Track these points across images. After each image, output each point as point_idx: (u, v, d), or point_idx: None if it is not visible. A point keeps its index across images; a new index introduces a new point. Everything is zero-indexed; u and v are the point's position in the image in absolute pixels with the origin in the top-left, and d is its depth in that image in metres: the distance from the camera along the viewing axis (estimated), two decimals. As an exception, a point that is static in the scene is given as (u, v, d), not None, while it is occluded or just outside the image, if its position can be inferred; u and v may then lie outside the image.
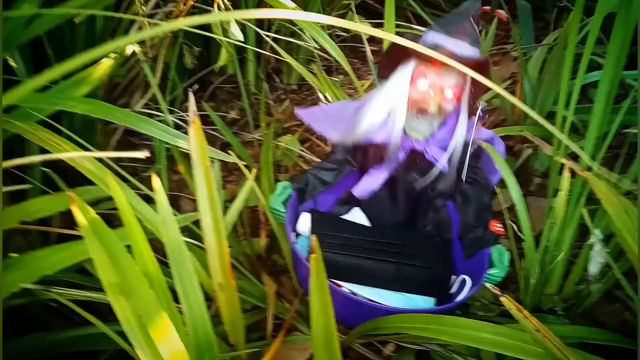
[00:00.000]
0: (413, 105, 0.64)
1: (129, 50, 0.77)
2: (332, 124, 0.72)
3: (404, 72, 0.63)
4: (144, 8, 0.67)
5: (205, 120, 1.00)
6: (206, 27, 0.84)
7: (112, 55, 0.72)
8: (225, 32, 0.67)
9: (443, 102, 0.63)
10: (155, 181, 0.45)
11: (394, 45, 0.63)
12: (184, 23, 0.42)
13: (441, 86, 0.62)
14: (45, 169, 0.66)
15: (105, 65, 0.71)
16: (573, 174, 0.58)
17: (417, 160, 0.67)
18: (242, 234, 0.81)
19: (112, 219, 0.55)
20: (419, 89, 0.63)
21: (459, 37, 0.62)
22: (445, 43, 0.62)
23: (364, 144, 0.69)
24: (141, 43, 0.82)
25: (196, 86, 1.10)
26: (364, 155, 0.71)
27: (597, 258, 0.64)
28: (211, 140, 1.01)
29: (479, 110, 0.66)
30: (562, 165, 0.59)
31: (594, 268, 0.64)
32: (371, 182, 0.70)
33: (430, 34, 0.64)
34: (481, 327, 0.49)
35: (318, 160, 0.94)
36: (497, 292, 0.43)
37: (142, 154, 0.53)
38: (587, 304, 0.65)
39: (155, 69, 0.84)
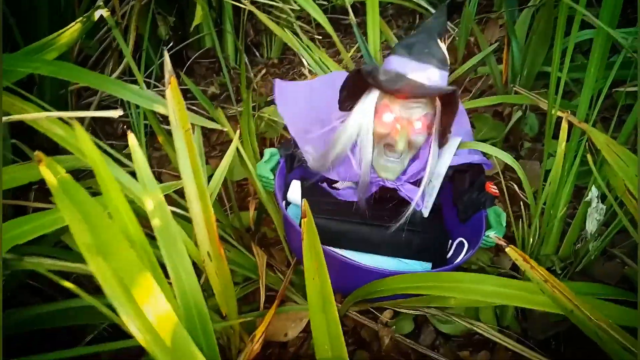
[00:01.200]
0: (379, 140, 0.58)
1: (96, 14, 0.72)
2: (304, 126, 0.65)
3: (367, 104, 0.57)
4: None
5: (185, 95, 0.96)
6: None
7: (81, 20, 0.68)
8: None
9: (412, 135, 0.56)
10: (131, 138, 0.42)
11: (352, 76, 0.56)
12: None
13: (408, 119, 0.56)
14: (14, 141, 0.62)
15: (73, 30, 0.67)
16: (570, 126, 0.56)
17: (388, 197, 0.61)
18: (230, 207, 0.78)
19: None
20: (384, 122, 0.56)
21: (425, 61, 0.56)
22: (410, 71, 0.55)
23: (334, 179, 0.64)
24: (112, 11, 0.78)
25: (171, 43, 1.05)
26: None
27: (594, 215, 0.63)
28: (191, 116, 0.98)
29: (452, 141, 0.60)
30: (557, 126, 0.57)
31: (591, 225, 0.63)
32: (346, 193, 0.66)
33: (394, 59, 0.57)
34: (484, 279, 0.47)
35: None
36: (503, 243, 0.41)
37: (116, 113, 0.49)
38: (585, 263, 0.64)
39: (128, 39, 0.80)
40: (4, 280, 0.50)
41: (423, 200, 0.60)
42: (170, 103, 0.49)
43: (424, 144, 0.58)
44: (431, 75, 0.55)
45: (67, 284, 0.37)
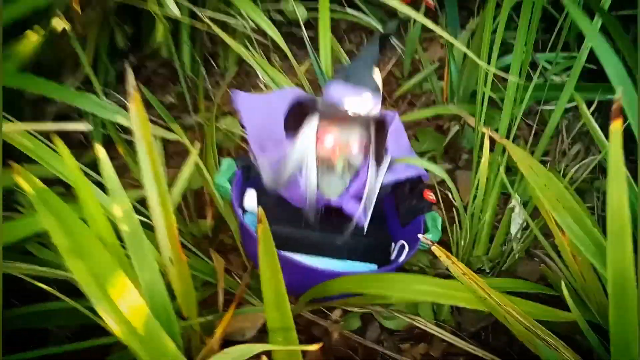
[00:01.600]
0: (323, 162, 0.65)
1: (57, 25, 0.75)
2: (260, 138, 0.71)
3: (309, 129, 0.65)
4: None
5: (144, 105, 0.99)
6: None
7: (39, 31, 0.71)
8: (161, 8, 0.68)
9: (349, 156, 0.65)
10: (100, 151, 0.46)
11: (294, 103, 0.64)
12: None
13: (346, 142, 0.64)
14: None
15: (32, 40, 0.69)
16: (493, 142, 0.65)
17: (333, 214, 0.69)
18: (188, 215, 0.83)
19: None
20: (325, 147, 0.64)
21: (361, 87, 0.63)
22: (346, 96, 0.63)
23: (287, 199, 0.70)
24: (70, 21, 0.81)
25: (133, 60, 1.08)
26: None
27: (517, 220, 0.72)
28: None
29: (386, 160, 0.67)
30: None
31: (514, 228, 0.72)
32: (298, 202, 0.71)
33: (334, 86, 0.64)
34: (420, 279, 0.55)
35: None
36: (429, 242, 0.48)
37: (84, 126, 0.53)
38: (511, 262, 0.73)
39: (87, 48, 0.83)
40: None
41: (365, 214, 0.67)
42: (134, 117, 0.53)
43: (363, 163, 0.66)
44: (366, 100, 0.63)
45: (48, 288, 0.41)
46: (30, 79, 0.58)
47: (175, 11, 0.64)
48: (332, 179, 0.66)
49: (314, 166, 0.65)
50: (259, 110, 0.76)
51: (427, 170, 0.71)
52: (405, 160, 0.68)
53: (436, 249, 0.47)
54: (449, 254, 0.47)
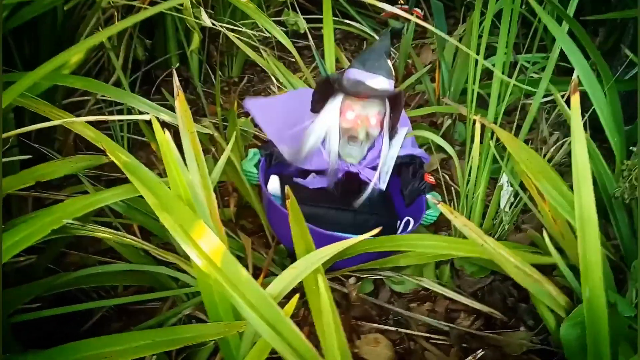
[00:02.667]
0: (344, 133, 0.79)
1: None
2: (278, 129, 0.84)
3: (333, 105, 0.77)
4: None
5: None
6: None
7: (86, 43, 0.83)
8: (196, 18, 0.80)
9: (369, 128, 0.78)
10: (164, 133, 0.58)
11: (321, 82, 0.77)
12: (158, 9, 0.56)
13: (366, 115, 0.77)
14: (38, 146, 0.76)
15: (81, 52, 0.82)
16: (482, 134, 0.79)
17: (352, 179, 0.81)
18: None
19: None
20: (347, 119, 0.77)
21: (376, 72, 0.77)
22: (365, 79, 0.77)
23: (307, 168, 0.82)
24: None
25: (177, 64, 1.21)
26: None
27: (505, 195, 0.86)
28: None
29: (400, 132, 0.81)
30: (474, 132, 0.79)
31: (503, 202, 0.85)
32: (315, 183, 0.84)
33: (352, 71, 0.79)
34: (426, 237, 0.68)
35: (271, 139, 1.09)
36: (435, 201, 0.61)
37: (147, 117, 0.66)
38: (501, 233, 0.86)
39: (119, 57, 0.95)
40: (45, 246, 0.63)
41: (380, 180, 0.80)
42: (179, 111, 0.66)
43: (378, 136, 0.79)
44: (381, 83, 0.77)
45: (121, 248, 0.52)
46: (91, 81, 0.70)
47: (208, 22, 0.77)
48: (353, 148, 0.79)
49: (337, 135, 0.78)
50: (272, 108, 0.90)
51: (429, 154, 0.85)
52: (421, 133, 0.83)
53: (442, 206, 0.60)
54: (451, 209, 0.59)
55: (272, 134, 0.85)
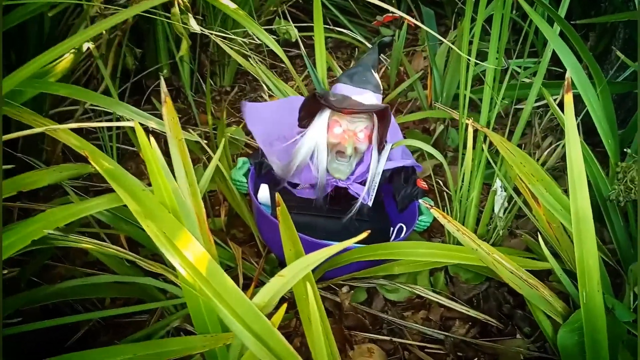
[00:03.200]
0: (332, 148, 0.77)
1: (84, 46, 0.86)
2: (269, 137, 0.83)
3: (321, 121, 0.76)
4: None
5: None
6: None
7: (72, 50, 0.81)
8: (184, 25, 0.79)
9: (357, 143, 0.76)
10: (150, 140, 0.57)
11: (309, 98, 0.76)
12: (141, 8, 0.55)
13: (354, 130, 0.76)
14: (23, 156, 0.74)
15: (67, 59, 0.80)
16: (475, 139, 0.77)
17: (341, 194, 0.80)
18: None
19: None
20: (335, 134, 0.76)
21: (364, 87, 0.77)
22: (352, 94, 0.76)
23: (296, 182, 0.81)
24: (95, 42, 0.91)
25: (166, 72, 1.20)
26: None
27: (499, 200, 0.84)
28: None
29: (387, 147, 0.80)
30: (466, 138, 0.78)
31: (497, 207, 0.84)
32: (304, 193, 0.83)
33: (339, 86, 0.78)
34: (419, 245, 0.66)
35: (263, 147, 1.07)
36: (428, 205, 0.60)
37: (131, 124, 0.64)
38: (496, 238, 0.85)
39: (107, 66, 0.93)
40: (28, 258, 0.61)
41: (368, 195, 0.79)
42: (166, 117, 0.64)
43: (366, 151, 0.78)
44: (369, 98, 0.76)
45: (107, 259, 0.51)
46: (76, 89, 0.68)
47: (196, 28, 0.75)
48: (341, 163, 0.78)
49: (325, 151, 0.76)
50: (265, 116, 0.89)
51: (420, 162, 0.83)
52: (409, 142, 0.81)
53: (435, 211, 0.58)
54: (443, 213, 0.58)
55: (263, 145, 0.83)
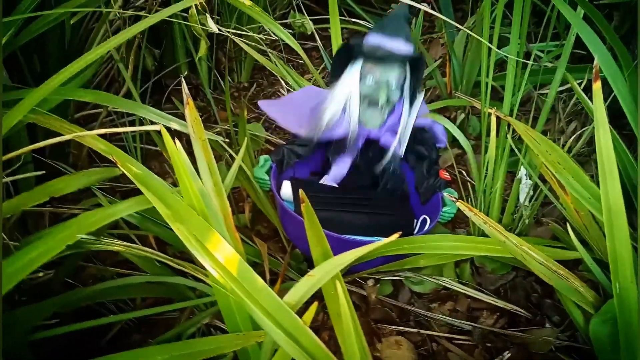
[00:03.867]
0: (364, 98, 0.78)
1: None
2: (295, 118, 0.85)
3: (353, 70, 0.77)
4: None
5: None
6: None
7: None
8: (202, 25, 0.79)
9: (389, 93, 0.77)
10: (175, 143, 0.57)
11: (341, 48, 0.76)
12: (163, 15, 0.55)
13: (386, 80, 0.76)
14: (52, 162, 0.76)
15: (89, 64, 0.81)
16: (498, 128, 0.76)
17: (373, 146, 0.81)
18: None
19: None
20: (367, 84, 0.77)
21: (395, 37, 0.77)
22: (384, 43, 0.76)
23: (326, 139, 0.82)
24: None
25: (186, 72, 1.21)
26: (329, 145, 0.85)
27: (524, 189, 0.83)
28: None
29: (419, 97, 0.81)
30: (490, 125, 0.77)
31: (522, 196, 0.83)
32: (339, 170, 0.84)
33: (371, 36, 0.78)
34: (444, 237, 0.66)
35: (283, 142, 1.08)
36: (454, 199, 0.59)
37: (157, 127, 0.65)
38: (522, 227, 0.84)
39: (128, 68, 0.95)
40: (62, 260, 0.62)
41: (399, 146, 0.80)
42: (189, 119, 0.65)
43: (398, 101, 0.79)
44: (400, 47, 0.76)
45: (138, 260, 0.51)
46: (101, 95, 0.69)
47: (214, 29, 0.76)
48: (373, 113, 0.78)
49: (357, 100, 0.77)
50: (284, 104, 0.91)
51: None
52: (436, 117, 0.82)
53: (460, 204, 0.58)
54: (469, 206, 0.57)
55: (286, 125, 0.87)
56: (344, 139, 0.81)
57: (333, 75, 0.80)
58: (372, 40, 0.77)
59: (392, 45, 0.76)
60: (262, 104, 0.90)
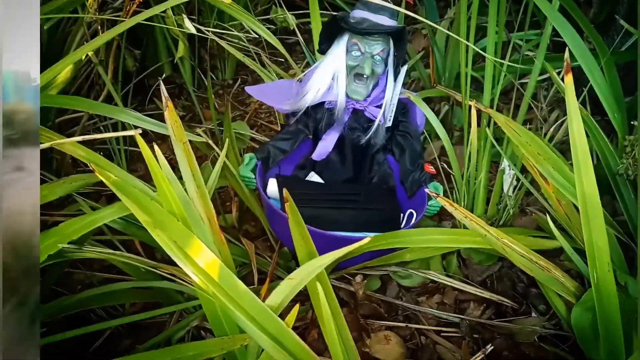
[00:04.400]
0: (351, 71, 0.81)
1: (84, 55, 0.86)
2: (281, 96, 0.88)
3: (340, 44, 0.81)
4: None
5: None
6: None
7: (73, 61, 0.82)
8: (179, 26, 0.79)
9: (374, 65, 0.80)
10: (155, 149, 0.57)
11: (328, 22, 0.79)
12: (140, 18, 0.55)
13: (371, 53, 0.79)
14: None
15: (67, 69, 0.81)
16: (479, 118, 0.77)
17: (359, 118, 0.84)
18: (215, 209, 0.93)
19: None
20: (353, 57, 0.80)
21: (380, 13, 0.79)
22: (370, 17, 0.79)
23: (313, 106, 0.85)
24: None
25: (164, 75, 1.20)
26: (315, 123, 0.86)
27: (507, 179, 0.84)
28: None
29: (402, 70, 0.84)
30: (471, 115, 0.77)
31: (506, 187, 0.83)
32: (325, 145, 0.85)
33: (356, 12, 0.81)
34: (429, 231, 0.66)
35: (268, 140, 1.07)
36: (434, 194, 0.60)
37: (135, 132, 0.64)
38: (507, 217, 0.85)
39: (108, 71, 0.94)
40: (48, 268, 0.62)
41: (384, 117, 0.83)
42: (169, 122, 0.64)
43: (382, 74, 0.82)
44: (385, 21, 0.79)
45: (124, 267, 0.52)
46: (79, 100, 0.69)
47: (192, 29, 0.75)
48: (359, 85, 0.82)
49: (344, 72, 0.81)
50: (268, 89, 0.94)
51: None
52: (419, 103, 0.86)
53: (441, 199, 0.58)
54: (450, 201, 0.58)
55: (273, 103, 0.91)
56: (331, 111, 0.84)
57: (320, 49, 0.84)
58: (358, 14, 0.80)
59: (376, 19, 0.79)
60: (249, 89, 0.93)
